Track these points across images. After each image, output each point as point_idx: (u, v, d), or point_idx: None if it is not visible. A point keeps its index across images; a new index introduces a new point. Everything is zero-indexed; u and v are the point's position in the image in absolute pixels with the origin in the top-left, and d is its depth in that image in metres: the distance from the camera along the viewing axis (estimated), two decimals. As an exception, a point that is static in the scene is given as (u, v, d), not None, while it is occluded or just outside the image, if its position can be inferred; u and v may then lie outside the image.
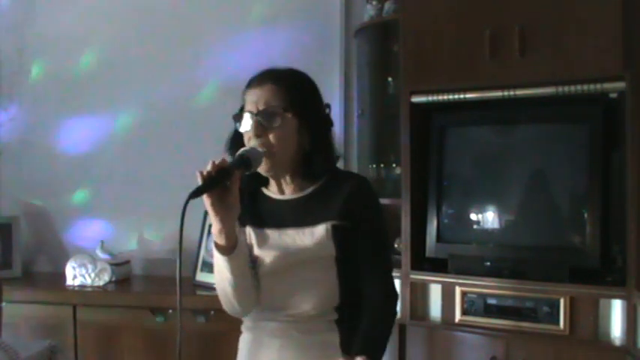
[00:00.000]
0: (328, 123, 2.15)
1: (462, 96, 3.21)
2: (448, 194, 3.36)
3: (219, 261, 1.98)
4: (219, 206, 1.87)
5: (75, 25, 4.40)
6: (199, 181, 1.82)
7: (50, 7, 4.46)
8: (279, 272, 2.06)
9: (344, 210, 2.03)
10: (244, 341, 2.20)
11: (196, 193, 1.80)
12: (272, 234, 2.07)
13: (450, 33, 3.24)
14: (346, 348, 2.02)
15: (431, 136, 3.38)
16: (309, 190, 2.10)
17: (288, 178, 2.10)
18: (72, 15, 4.41)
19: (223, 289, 2.04)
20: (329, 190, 2.08)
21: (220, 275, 2.02)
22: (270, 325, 2.10)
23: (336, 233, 2.02)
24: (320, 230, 2.02)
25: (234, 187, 1.89)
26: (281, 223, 2.08)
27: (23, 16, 4.51)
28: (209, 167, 1.84)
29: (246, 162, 1.94)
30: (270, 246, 2.06)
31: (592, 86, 2.90)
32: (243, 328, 2.21)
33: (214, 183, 1.84)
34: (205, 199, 1.85)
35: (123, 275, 4.11)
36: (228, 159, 1.95)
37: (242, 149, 1.97)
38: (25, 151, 4.50)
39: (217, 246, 1.96)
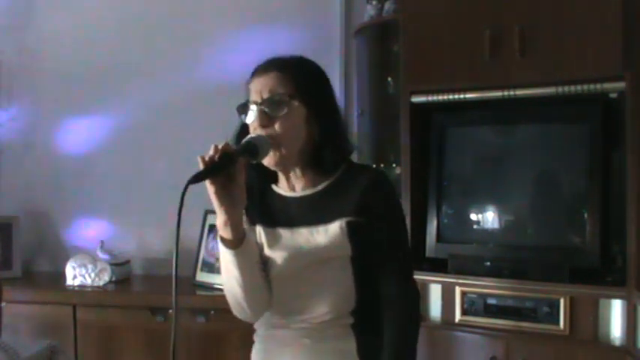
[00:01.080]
0: (339, 112, 2.04)
1: (462, 96, 3.21)
2: (448, 194, 3.36)
3: (226, 256, 1.87)
4: (224, 195, 1.77)
5: (75, 24, 4.40)
6: (200, 166, 1.72)
7: (50, 7, 4.46)
8: (292, 274, 1.94)
9: (360, 205, 1.90)
10: (256, 352, 2.09)
11: (197, 178, 1.70)
12: (284, 233, 1.94)
13: (450, 33, 3.23)
14: (363, 355, 1.94)
15: (431, 136, 3.38)
16: (323, 185, 1.97)
17: (297, 171, 1.97)
18: (72, 15, 4.41)
19: (231, 290, 1.93)
20: (343, 185, 1.95)
21: (228, 274, 1.90)
22: (282, 334, 1.99)
23: (352, 230, 1.89)
24: (334, 228, 1.89)
25: (240, 176, 1.78)
26: (293, 222, 1.95)
27: (23, 15, 4.51)
28: (211, 152, 1.74)
29: (253, 149, 1.82)
30: (281, 246, 1.94)
31: (592, 86, 2.90)
32: (255, 337, 2.10)
33: (217, 168, 1.72)
34: (209, 187, 1.75)
35: (123, 275, 4.12)
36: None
37: (248, 136, 1.85)
38: (25, 151, 4.50)
39: (223, 240, 1.85)
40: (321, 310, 1.93)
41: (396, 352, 1.89)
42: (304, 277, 1.92)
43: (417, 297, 1.99)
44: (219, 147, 1.75)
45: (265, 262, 1.97)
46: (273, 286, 1.98)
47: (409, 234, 3.20)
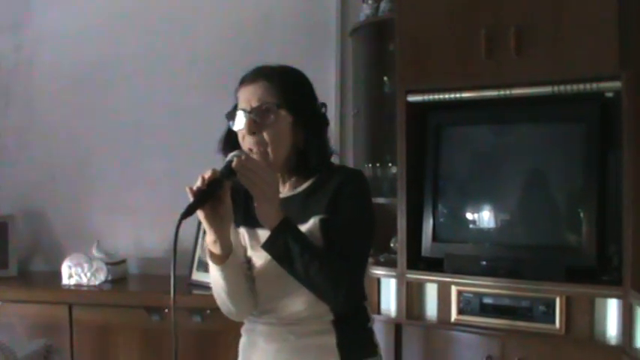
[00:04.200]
0: (323, 120, 2.09)
1: (457, 95, 3.21)
2: (444, 193, 3.36)
3: (214, 270, 1.95)
4: (213, 218, 1.83)
5: (72, 23, 4.39)
6: (190, 198, 1.76)
7: (47, 5, 4.46)
8: (271, 274, 1.98)
9: (330, 203, 1.97)
10: (242, 345, 2.17)
11: (189, 212, 1.75)
12: (263, 234, 1.94)
13: (446, 32, 3.23)
14: (344, 350, 1.99)
15: (427, 135, 3.38)
16: (302, 187, 2.05)
17: (280, 175, 2.05)
18: (69, 14, 4.41)
19: (219, 295, 2.01)
20: (321, 186, 2.02)
21: (215, 283, 1.99)
22: (265, 329, 2.06)
23: (324, 228, 1.95)
24: (309, 226, 1.96)
25: (227, 197, 1.83)
26: None
27: (21, 14, 4.50)
28: (199, 183, 1.78)
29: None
30: (260, 247, 1.96)
31: (588, 85, 2.90)
32: (242, 330, 2.18)
33: (206, 197, 1.78)
34: (199, 213, 1.81)
35: (119, 274, 4.11)
36: (220, 161, 1.88)
37: (230, 155, 1.88)
38: (21, 150, 4.50)
39: (212, 255, 1.92)
40: (297, 308, 2.00)
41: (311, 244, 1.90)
42: (282, 276, 1.93)
43: (346, 289, 1.94)
44: (206, 177, 1.79)
45: (249, 262, 2.06)
46: (256, 286, 2.05)
47: (405, 234, 3.27)
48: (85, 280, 3.95)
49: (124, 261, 4.21)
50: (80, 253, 4.04)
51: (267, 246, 1.88)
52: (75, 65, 4.40)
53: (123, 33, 4.33)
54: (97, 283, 3.95)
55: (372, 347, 2.12)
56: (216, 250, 1.90)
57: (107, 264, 4.03)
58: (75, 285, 3.95)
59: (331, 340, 2.00)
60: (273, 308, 2.03)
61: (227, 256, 1.91)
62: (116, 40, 4.34)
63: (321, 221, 1.96)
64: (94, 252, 4.11)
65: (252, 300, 2.05)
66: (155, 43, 4.28)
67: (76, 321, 3.77)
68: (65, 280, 3.98)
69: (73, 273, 3.96)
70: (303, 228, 1.95)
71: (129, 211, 4.30)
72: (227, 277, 1.94)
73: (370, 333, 2.13)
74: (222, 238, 1.88)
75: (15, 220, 4.36)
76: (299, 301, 1.98)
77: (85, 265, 3.97)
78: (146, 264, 4.30)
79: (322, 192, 2.00)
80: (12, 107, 4.53)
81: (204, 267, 3.79)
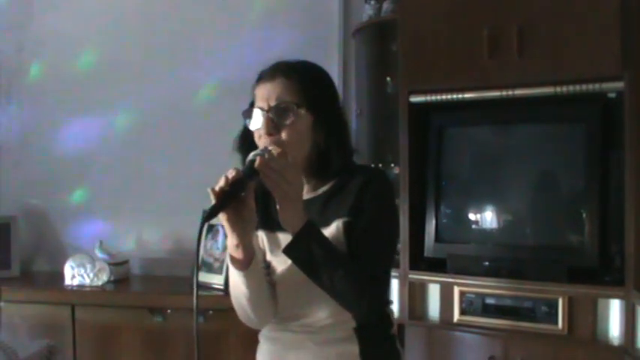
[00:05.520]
0: (344, 118, 2.02)
1: (460, 96, 3.21)
2: (446, 194, 3.36)
3: (235, 276, 1.85)
4: (236, 221, 1.74)
5: (73, 24, 4.40)
6: (212, 200, 1.67)
7: (49, 6, 4.46)
8: (293, 280, 1.89)
9: (354, 205, 1.87)
10: (261, 353, 2.09)
11: (212, 214, 1.66)
12: (284, 238, 1.87)
13: (449, 33, 3.23)
14: (367, 358, 1.94)
15: (429, 135, 3.38)
16: (323, 189, 1.97)
17: (302, 178, 1.89)
18: (70, 14, 4.42)
19: (239, 302, 1.92)
20: (343, 187, 1.93)
21: (236, 289, 1.89)
22: (286, 337, 1.99)
23: (348, 232, 1.86)
24: (332, 230, 1.87)
25: (250, 199, 1.74)
26: None
27: (22, 15, 4.51)
28: (222, 183, 1.68)
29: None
30: (281, 252, 1.85)
31: (590, 86, 2.91)
32: (260, 337, 2.10)
33: (229, 199, 1.68)
34: (221, 216, 1.72)
35: (121, 275, 4.11)
36: (238, 159, 1.84)
37: (252, 154, 1.76)
38: (23, 151, 4.50)
39: (233, 260, 1.82)
40: (321, 315, 1.93)
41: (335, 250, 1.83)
42: (305, 281, 1.83)
43: (371, 296, 1.88)
44: (230, 176, 1.70)
45: (268, 267, 1.98)
46: (276, 291, 1.97)
47: (407, 234, 3.26)
48: (87, 281, 3.95)
49: (126, 261, 4.20)
50: (83, 253, 4.05)
51: (289, 251, 1.79)
52: (75, 65, 4.41)
53: (123, 33, 4.34)
54: (99, 283, 3.95)
55: (395, 355, 2.05)
56: (239, 255, 1.81)
57: (110, 264, 4.03)
58: (77, 285, 3.95)
59: (354, 348, 1.93)
60: (295, 315, 1.96)
61: (249, 261, 1.82)
62: (116, 40, 4.35)
63: (345, 224, 1.87)
64: (97, 252, 4.11)
65: (274, 307, 1.97)
66: (156, 42, 4.29)
67: (79, 321, 3.77)
68: (68, 281, 3.98)
69: (76, 273, 3.97)
70: (326, 232, 1.87)
71: (131, 211, 4.30)
72: (249, 284, 1.85)
73: (393, 339, 2.06)
74: (245, 241, 1.79)
75: (17, 220, 4.36)
76: (322, 309, 1.91)
77: (88, 266, 3.97)
78: (149, 264, 4.29)
79: (344, 194, 1.92)
80: (14, 107, 4.54)
81: (207, 267, 3.79)
